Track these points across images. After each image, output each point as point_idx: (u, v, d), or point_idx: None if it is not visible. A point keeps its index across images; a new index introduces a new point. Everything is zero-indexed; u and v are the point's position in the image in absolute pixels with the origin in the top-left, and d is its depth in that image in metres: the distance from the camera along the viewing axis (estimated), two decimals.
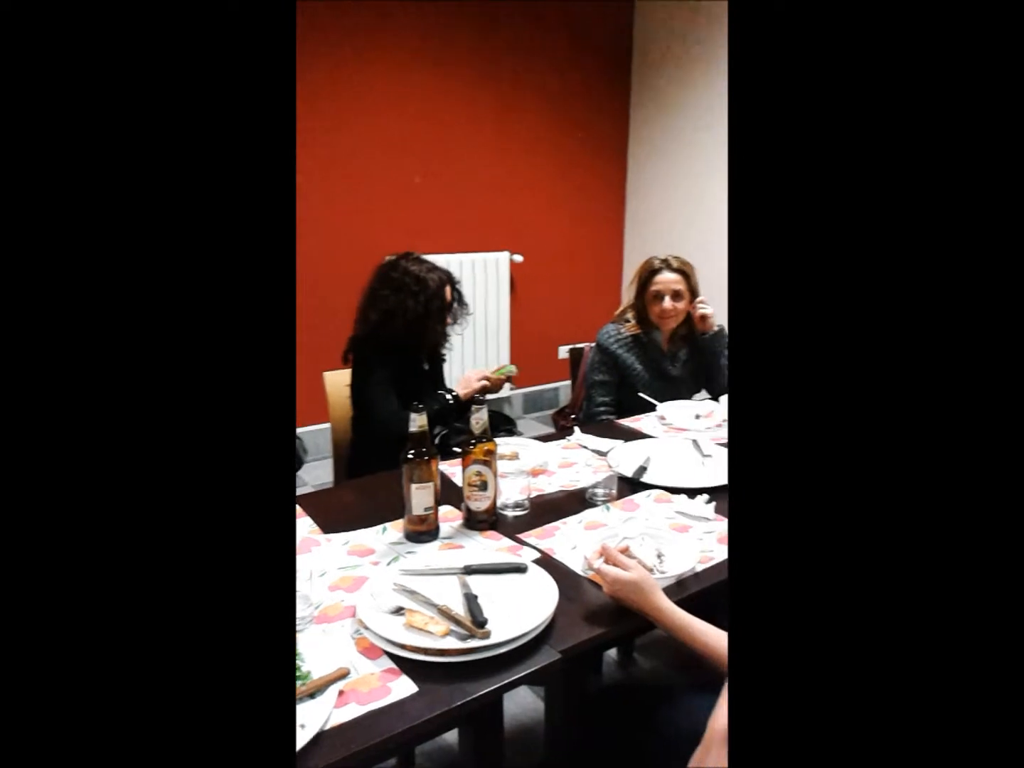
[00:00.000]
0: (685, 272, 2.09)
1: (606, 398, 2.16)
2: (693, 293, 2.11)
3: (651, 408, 2.05)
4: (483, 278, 3.55)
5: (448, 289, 1.95)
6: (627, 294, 2.22)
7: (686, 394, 2.20)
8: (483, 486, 1.31)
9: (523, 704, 1.83)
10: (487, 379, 1.92)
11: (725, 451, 1.69)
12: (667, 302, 2.08)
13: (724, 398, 2.09)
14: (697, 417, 1.98)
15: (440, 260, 2.02)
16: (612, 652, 2.07)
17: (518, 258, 3.66)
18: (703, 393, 2.28)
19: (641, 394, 2.10)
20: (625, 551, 1.13)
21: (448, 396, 1.88)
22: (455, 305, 1.99)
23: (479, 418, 1.29)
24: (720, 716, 1.03)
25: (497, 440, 1.35)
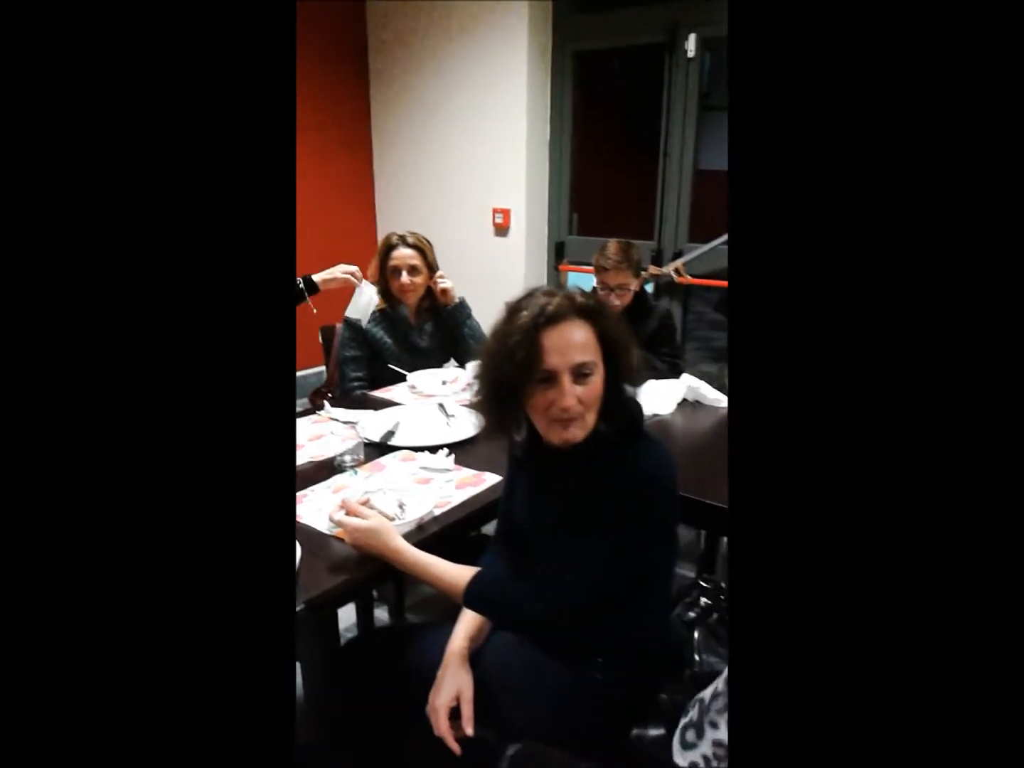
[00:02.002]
0: (421, 248, 2.20)
1: (359, 373, 2.22)
2: (431, 268, 2.23)
3: (402, 379, 2.15)
4: None
5: None
6: (371, 271, 2.29)
7: (435, 364, 2.32)
8: None
9: None
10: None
11: (468, 410, 1.83)
12: (404, 277, 2.18)
13: (471, 364, 2.24)
14: (444, 383, 2.11)
15: None
16: (384, 616, 2.16)
17: None
18: (452, 362, 2.42)
19: (391, 366, 2.18)
20: (365, 503, 1.21)
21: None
22: None
23: None
24: (455, 639, 1.15)
25: None
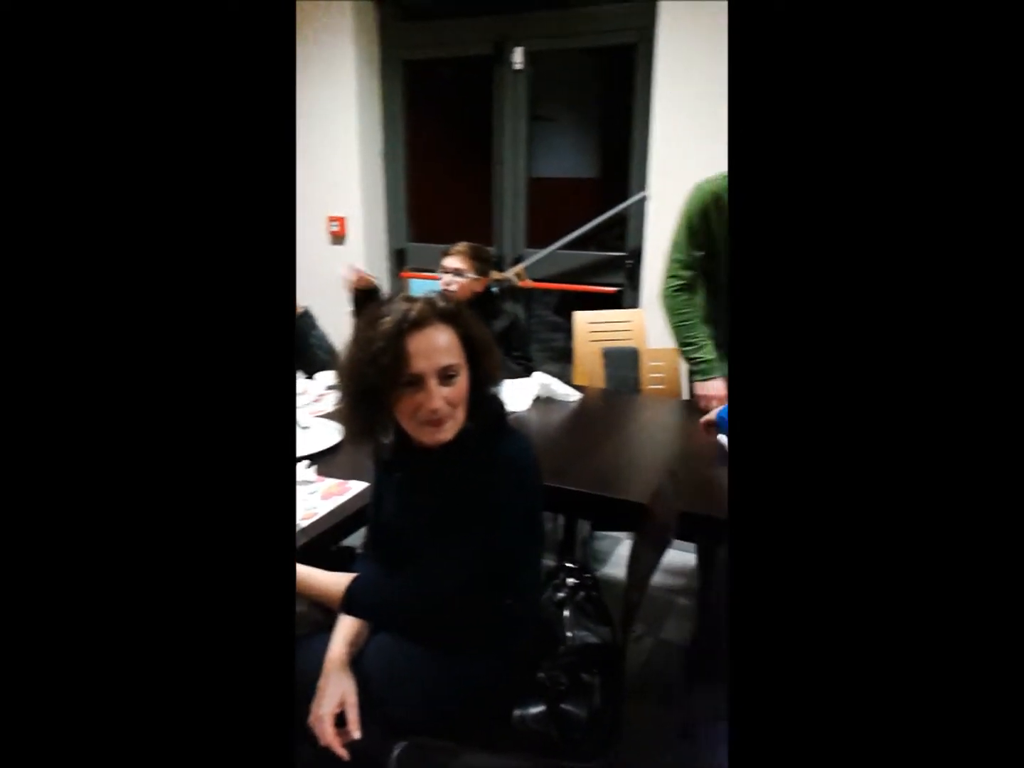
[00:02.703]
0: None
1: None
2: None
3: None
4: None
5: None
6: None
7: None
8: None
9: None
10: None
11: (323, 421, 1.81)
12: None
13: (319, 375, 2.20)
14: None
15: None
16: None
17: None
18: (299, 373, 2.36)
19: None
20: None
21: None
22: None
23: None
24: (334, 646, 1.15)
25: None
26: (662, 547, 1.18)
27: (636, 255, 3.04)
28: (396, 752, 1.10)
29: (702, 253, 1.93)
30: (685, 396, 2.11)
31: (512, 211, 3.32)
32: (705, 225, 1.89)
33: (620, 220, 3.10)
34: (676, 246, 1.97)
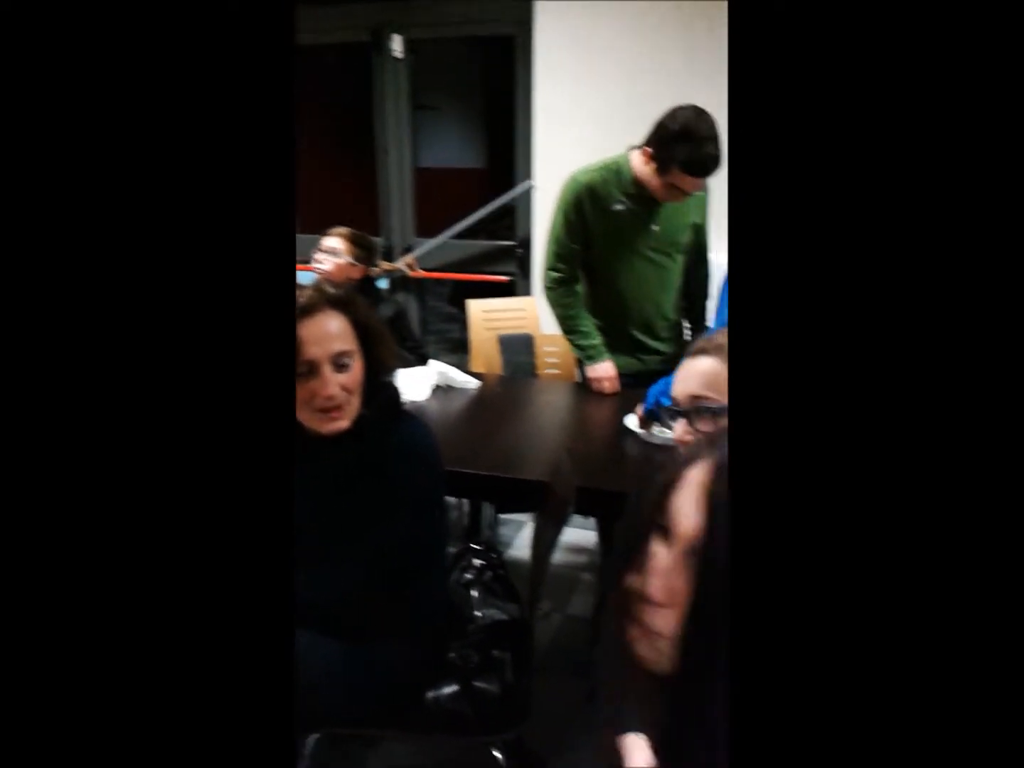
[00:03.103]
0: None
1: None
2: None
3: None
4: None
5: None
6: None
7: None
8: None
9: None
10: None
11: None
12: None
13: None
14: None
15: None
16: None
17: None
18: None
19: None
20: None
21: None
22: None
23: None
24: None
25: None
26: (562, 521, 1.22)
27: (526, 244, 3.09)
28: (310, 747, 1.09)
29: (578, 247, 1.95)
30: (579, 379, 2.16)
31: (399, 201, 3.29)
32: (580, 218, 1.91)
33: (509, 210, 3.14)
34: (553, 239, 1.99)
